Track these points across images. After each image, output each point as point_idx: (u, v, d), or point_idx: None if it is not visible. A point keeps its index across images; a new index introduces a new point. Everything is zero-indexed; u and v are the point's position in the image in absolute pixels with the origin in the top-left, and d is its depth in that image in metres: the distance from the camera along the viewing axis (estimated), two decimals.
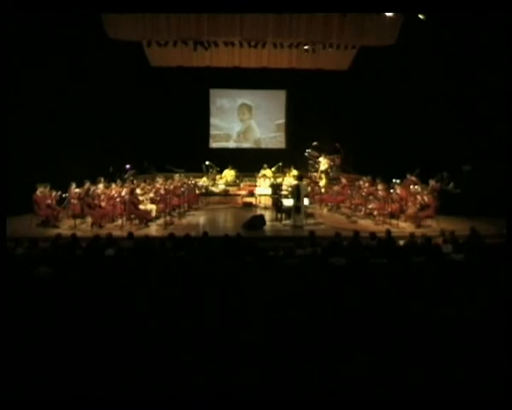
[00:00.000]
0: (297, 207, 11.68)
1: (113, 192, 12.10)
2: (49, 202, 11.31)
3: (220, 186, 15.44)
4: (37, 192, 11.32)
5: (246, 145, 18.90)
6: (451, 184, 11.86)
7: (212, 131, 18.80)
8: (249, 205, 14.55)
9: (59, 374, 3.98)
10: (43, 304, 5.17)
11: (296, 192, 11.79)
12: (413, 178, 12.46)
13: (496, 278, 6.22)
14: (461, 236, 8.85)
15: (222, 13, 13.16)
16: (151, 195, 12.64)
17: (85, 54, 13.64)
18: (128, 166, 14.28)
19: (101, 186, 12.10)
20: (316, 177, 15.45)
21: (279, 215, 12.54)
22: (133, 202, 11.60)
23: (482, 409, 3.73)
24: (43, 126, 12.65)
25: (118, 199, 11.77)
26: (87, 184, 12.04)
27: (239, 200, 14.95)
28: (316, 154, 16.19)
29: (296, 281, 6.09)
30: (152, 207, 12.12)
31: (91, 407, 3.71)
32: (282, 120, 18.94)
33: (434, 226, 11.20)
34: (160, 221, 11.96)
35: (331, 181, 14.89)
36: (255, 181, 15.63)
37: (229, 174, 15.92)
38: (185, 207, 13.48)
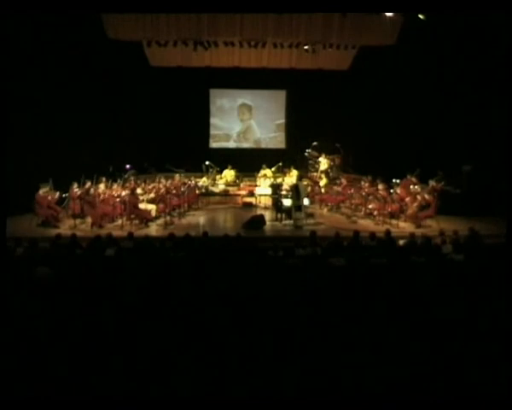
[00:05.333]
0: (297, 207, 11.70)
1: (113, 192, 12.10)
2: (49, 199, 11.26)
3: (220, 186, 15.43)
4: (40, 192, 11.29)
5: (246, 145, 18.88)
6: (447, 185, 11.87)
7: (212, 131, 18.79)
8: (249, 205, 14.54)
9: (59, 374, 3.98)
10: (43, 304, 5.17)
11: (295, 192, 11.81)
12: (413, 179, 12.46)
13: (496, 278, 6.22)
14: (461, 236, 8.85)
15: (222, 13, 13.17)
16: (151, 195, 12.64)
17: (85, 54, 13.63)
18: (128, 166, 14.28)
19: (101, 186, 12.09)
20: (316, 177, 15.45)
21: (279, 215, 12.54)
22: (133, 202, 11.60)
23: (482, 409, 3.74)
24: (43, 126, 12.65)
25: (118, 199, 11.77)
26: (88, 184, 12.04)
27: (239, 200, 14.94)
28: (316, 154, 16.20)
29: (296, 281, 6.09)
30: (152, 207, 12.12)
31: (92, 406, 3.71)
32: (282, 120, 18.92)
33: (434, 226, 11.19)
34: (160, 221, 11.96)
35: (331, 181, 14.88)
36: (255, 181, 15.64)
37: (228, 174, 15.91)
38: (185, 207, 13.47)
